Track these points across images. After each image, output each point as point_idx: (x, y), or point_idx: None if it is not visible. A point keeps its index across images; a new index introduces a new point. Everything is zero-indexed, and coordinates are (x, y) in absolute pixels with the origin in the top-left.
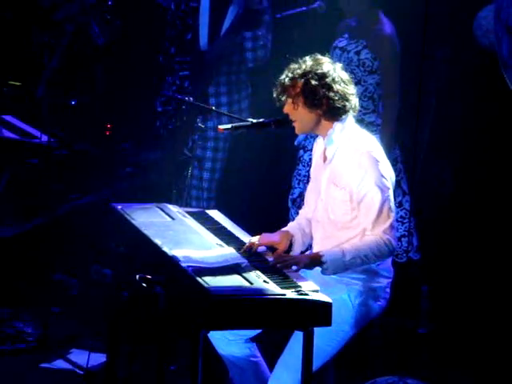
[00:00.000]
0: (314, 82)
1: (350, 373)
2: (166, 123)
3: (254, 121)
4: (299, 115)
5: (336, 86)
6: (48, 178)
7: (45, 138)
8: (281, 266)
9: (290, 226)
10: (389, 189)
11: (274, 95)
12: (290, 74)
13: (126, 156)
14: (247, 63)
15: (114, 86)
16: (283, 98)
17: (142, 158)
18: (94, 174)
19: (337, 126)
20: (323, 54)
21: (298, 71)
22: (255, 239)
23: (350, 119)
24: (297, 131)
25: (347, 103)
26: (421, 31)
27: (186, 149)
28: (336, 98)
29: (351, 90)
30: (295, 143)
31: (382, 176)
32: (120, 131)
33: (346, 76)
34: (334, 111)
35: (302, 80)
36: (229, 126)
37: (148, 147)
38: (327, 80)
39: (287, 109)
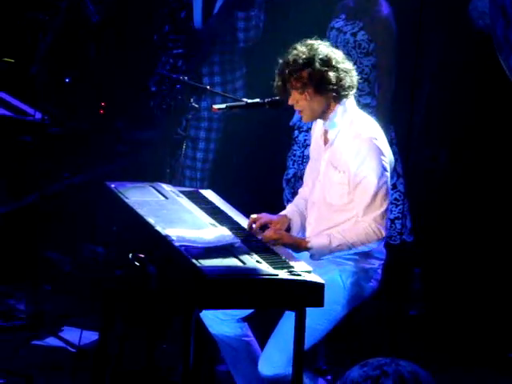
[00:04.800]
0: (320, 67)
1: (342, 354)
2: (160, 102)
3: (249, 101)
4: (310, 104)
5: (340, 65)
6: (41, 155)
7: (38, 116)
8: (266, 239)
9: (289, 211)
10: (386, 177)
11: (275, 90)
12: (290, 67)
13: (120, 135)
14: (239, 43)
15: (108, 64)
16: (287, 91)
17: (136, 136)
18: (87, 153)
19: (339, 108)
20: (320, 34)
21: (300, 61)
22: (255, 216)
23: (350, 101)
24: (306, 120)
25: (353, 79)
26: (417, 13)
27: (179, 128)
28: (343, 75)
29: (351, 66)
30: (290, 123)
31: (381, 163)
32: (114, 110)
33: (341, 53)
34: (345, 90)
35: (307, 69)
36: (223, 105)
37: (142, 126)
38: (332, 62)
39: (292, 100)
